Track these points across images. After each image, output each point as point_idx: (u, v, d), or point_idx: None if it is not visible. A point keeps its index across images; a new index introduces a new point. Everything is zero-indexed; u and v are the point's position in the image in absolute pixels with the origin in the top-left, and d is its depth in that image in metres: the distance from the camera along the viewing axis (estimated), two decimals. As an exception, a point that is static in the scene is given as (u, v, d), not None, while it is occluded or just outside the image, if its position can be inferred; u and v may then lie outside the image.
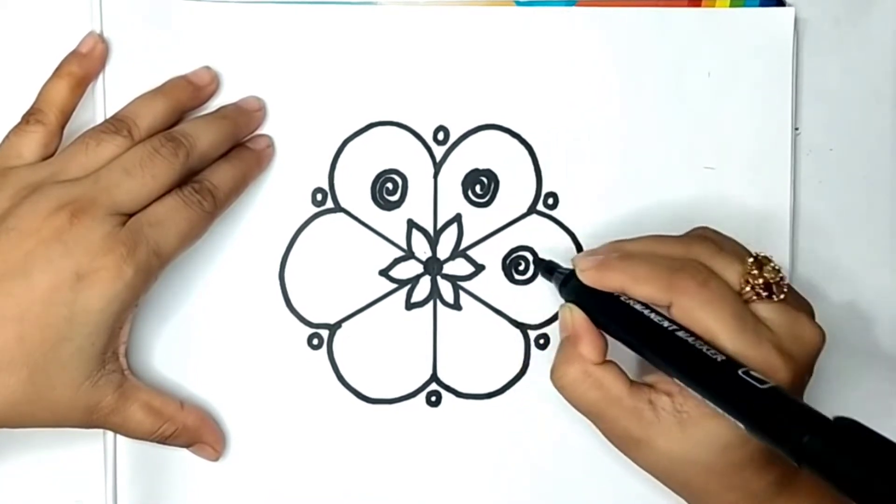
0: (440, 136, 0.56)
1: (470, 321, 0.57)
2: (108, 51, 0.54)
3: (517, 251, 0.57)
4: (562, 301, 0.52)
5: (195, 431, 0.54)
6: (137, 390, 0.51)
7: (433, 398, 0.57)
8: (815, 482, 0.45)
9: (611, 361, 0.50)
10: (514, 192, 0.57)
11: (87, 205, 0.48)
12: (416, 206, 0.57)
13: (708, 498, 0.49)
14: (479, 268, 0.57)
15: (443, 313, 0.57)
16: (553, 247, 0.57)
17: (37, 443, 0.55)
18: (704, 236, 0.51)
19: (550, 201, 0.57)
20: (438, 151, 0.57)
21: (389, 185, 0.56)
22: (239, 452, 0.56)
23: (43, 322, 0.47)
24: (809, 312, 0.50)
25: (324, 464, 0.57)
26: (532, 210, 0.57)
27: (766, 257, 0.49)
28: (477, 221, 0.57)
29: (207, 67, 0.55)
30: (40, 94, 0.52)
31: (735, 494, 0.48)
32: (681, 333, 0.47)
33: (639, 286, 0.49)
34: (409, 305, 0.57)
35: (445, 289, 0.57)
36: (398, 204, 0.57)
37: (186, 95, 0.54)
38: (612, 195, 0.57)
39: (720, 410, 0.45)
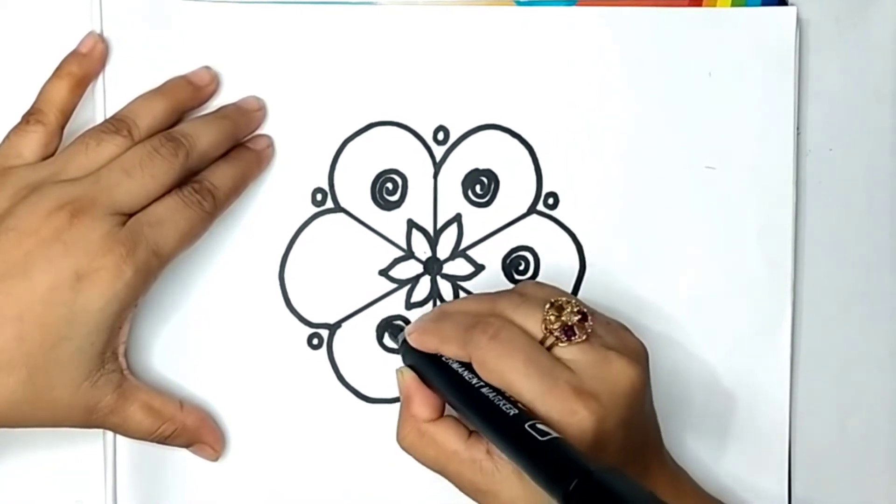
0: (440, 136, 0.56)
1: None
2: (108, 51, 0.54)
3: (517, 251, 0.57)
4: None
5: (195, 431, 0.54)
6: (137, 390, 0.51)
7: (433, 398, 0.57)
8: None
9: (447, 417, 0.50)
10: (515, 192, 0.57)
11: (87, 205, 0.48)
12: (416, 206, 0.56)
13: None
14: (479, 268, 0.57)
15: (443, 313, 0.57)
16: (553, 247, 0.57)
17: (37, 443, 0.55)
18: (514, 290, 0.52)
19: (551, 201, 0.57)
20: (438, 151, 0.56)
21: (389, 185, 0.56)
22: (239, 452, 0.56)
23: (43, 322, 0.47)
24: (624, 350, 0.49)
25: (324, 463, 0.56)
26: (532, 210, 0.57)
27: (567, 301, 0.49)
28: (477, 221, 0.57)
29: (207, 67, 0.55)
30: (40, 94, 0.52)
31: None
32: (485, 389, 0.48)
33: (445, 346, 0.50)
34: (409, 305, 0.57)
35: (445, 289, 0.57)
36: (398, 204, 0.56)
37: (186, 95, 0.54)
38: (612, 195, 0.57)
39: (515, 464, 0.46)
